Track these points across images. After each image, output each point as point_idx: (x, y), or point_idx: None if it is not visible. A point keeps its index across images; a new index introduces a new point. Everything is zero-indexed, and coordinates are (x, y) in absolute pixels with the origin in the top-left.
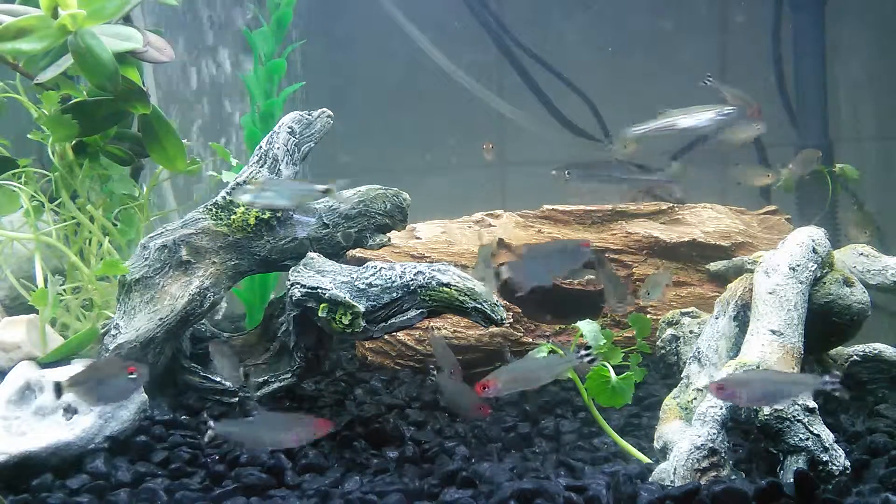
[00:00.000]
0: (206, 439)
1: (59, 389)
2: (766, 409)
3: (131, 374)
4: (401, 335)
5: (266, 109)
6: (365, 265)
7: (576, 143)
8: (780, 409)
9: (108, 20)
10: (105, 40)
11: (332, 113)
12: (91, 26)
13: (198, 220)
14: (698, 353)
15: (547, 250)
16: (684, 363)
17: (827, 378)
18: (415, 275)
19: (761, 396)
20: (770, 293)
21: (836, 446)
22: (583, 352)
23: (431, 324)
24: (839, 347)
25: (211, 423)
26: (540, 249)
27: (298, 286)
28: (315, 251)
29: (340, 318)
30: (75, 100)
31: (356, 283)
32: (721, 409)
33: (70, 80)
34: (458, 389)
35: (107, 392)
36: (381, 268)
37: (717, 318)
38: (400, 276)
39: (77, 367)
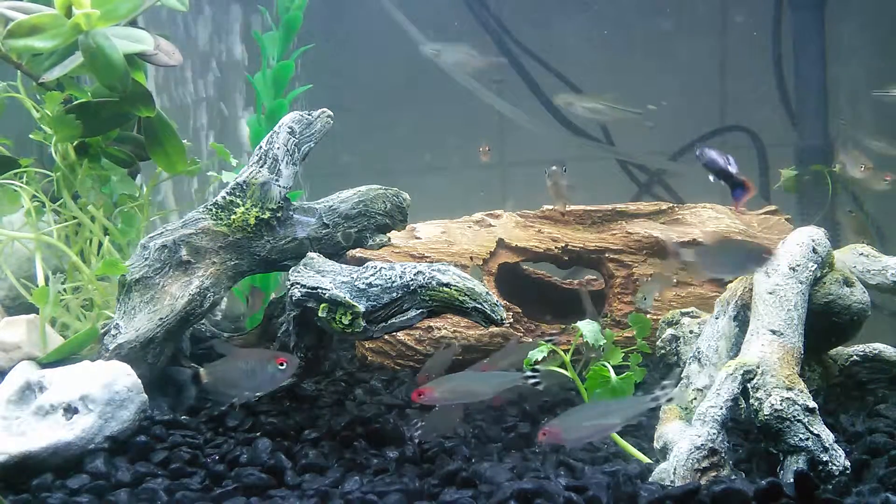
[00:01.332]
0: (417, 440)
1: (197, 379)
2: (766, 409)
3: (281, 365)
4: (401, 335)
5: (272, 110)
6: (365, 265)
7: (576, 143)
8: (781, 409)
9: (121, 21)
10: (116, 42)
11: (332, 113)
12: (104, 27)
13: (198, 220)
14: (698, 353)
15: (734, 248)
16: (684, 363)
17: (658, 393)
18: (415, 275)
19: (581, 436)
20: (770, 293)
21: (836, 446)
22: (529, 372)
23: (431, 324)
24: (839, 347)
25: (419, 423)
26: (728, 245)
27: (298, 286)
28: (315, 251)
29: (340, 318)
30: (80, 100)
31: (356, 283)
32: (721, 409)
33: (73, 80)
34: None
35: (253, 382)
36: (381, 268)
37: (717, 318)
38: (400, 276)
39: (77, 367)
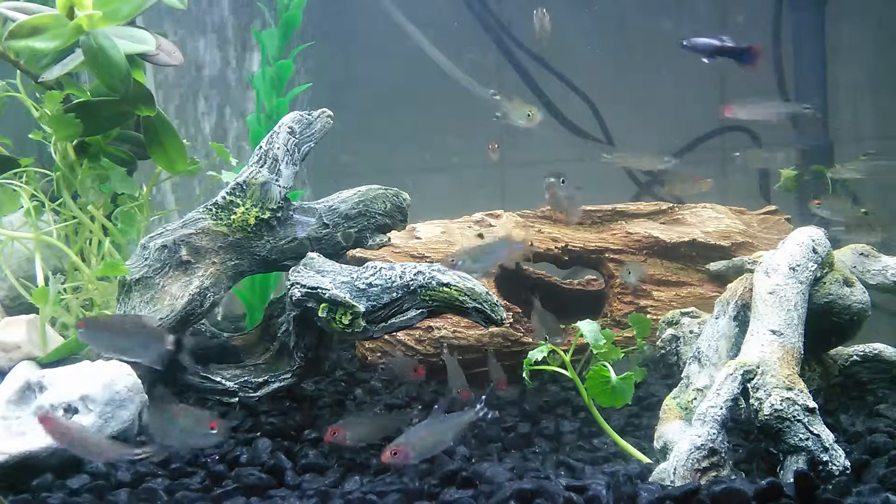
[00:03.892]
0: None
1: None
2: (766, 409)
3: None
4: (401, 335)
5: (272, 110)
6: (365, 265)
7: (576, 143)
8: (781, 409)
9: (122, 22)
10: (118, 42)
11: (332, 113)
12: (105, 27)
13: (198, 220)
14: (698, 353)
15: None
16: (684, 363)
17: (478, 407)
18: (415, 275)
19: (426, 449)
20: (770, 293)
21: (836, 446)
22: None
23: (431, 324)
24: (839, 347)
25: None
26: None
27: (298, 286)
28: (315, 251)
29: (340, 318)
30: (79, 99)
31: (356, 283)
32: (721, 409)
33: (72, 79)
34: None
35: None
36: (381, 268)
37: (717, 318)
38: (400, 276)
39: (77, 367)
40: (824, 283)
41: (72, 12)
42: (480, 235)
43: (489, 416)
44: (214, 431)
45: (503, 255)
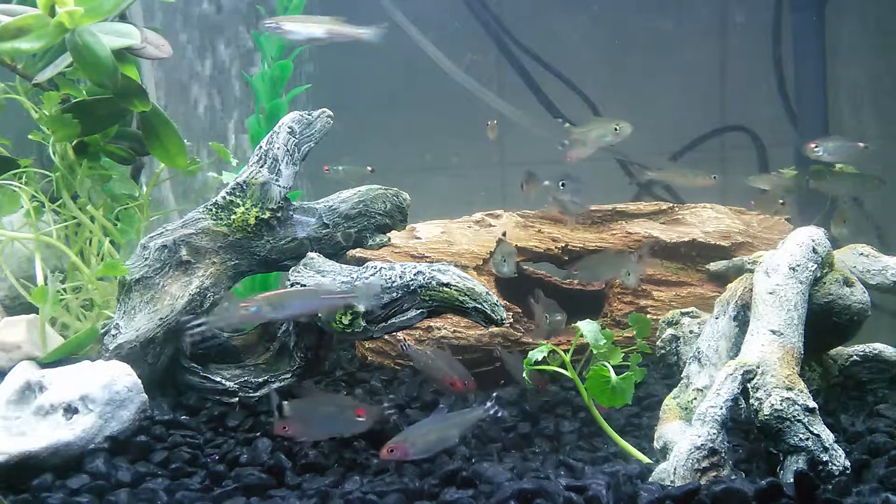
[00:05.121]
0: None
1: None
2: (766, 409)
3: (360, 416)
4: (401, 335)
5: (271, 110)
6: (365, 265)
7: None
8: (781, 409)
9: (106, 17)
10: (103, 37)
11: (332, 113)
12: (88, 24)
13: (198, 220)
14: (698, 353)
15: None
16: (684, 363)
17: (488, 405)
18: (415, 275)
19: (427, 447)
20: (770, 293)
21: (836, 446)
22: None
23: (431, 324)
24: (839, 347)
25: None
26: None
27: (298, 286)
28: (315, 251)
29: (340, 318)
30: (76, 99)
31: (356, 284)
32: (721, 409)
33: (71, 81)
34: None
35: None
36: (381, 268)
37: (717, 318)
38: (400, 276)
39: (77, 367)
40: (824, 283)
41: (53, 10)
42: (504, 234)
43: (499, 413)
44: (362, 419)
45: (314, 307)
